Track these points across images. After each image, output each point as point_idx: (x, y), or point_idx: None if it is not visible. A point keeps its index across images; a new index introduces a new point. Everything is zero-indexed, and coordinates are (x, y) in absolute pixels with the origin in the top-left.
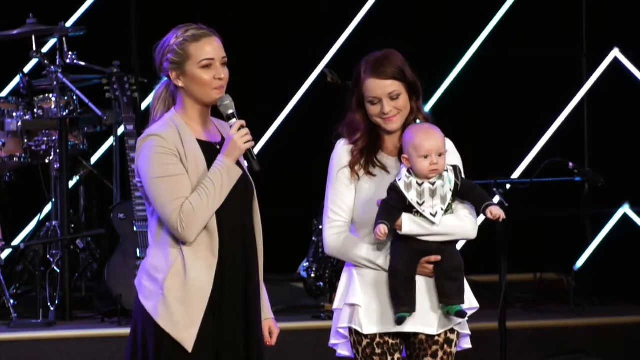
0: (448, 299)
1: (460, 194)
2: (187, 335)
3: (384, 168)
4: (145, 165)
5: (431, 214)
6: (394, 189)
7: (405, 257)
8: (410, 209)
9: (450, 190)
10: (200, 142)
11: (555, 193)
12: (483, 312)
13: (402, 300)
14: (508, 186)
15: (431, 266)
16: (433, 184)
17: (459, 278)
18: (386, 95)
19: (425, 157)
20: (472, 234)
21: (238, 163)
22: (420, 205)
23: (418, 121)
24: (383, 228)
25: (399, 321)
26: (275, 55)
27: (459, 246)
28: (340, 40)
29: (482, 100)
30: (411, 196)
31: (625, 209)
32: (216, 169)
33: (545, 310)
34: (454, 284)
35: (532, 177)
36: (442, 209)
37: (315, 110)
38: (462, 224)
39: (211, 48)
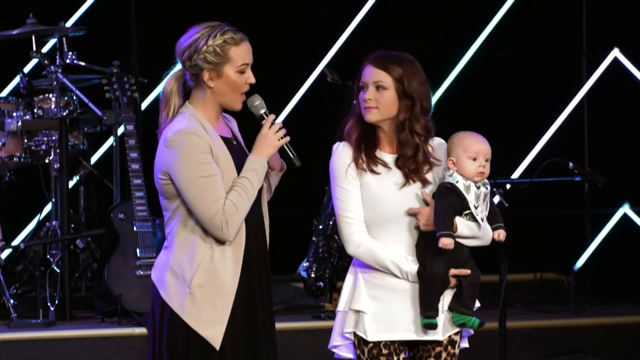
0: (467, 309)
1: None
2: (214, 332)
3: (385, 165)
4: (182, 164)
5: (481, 219)
6: (454, 191)
7: (447, 264)
8: (460, 211)
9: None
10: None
11: (555, 193)
12: (483, 312)
13: (435, 304)
14: (508, 186)
15: (455, 280)
16: (487, 188)
17: (477, 290)
18: (372, 82)
19: (474, 159)
20: (489, 241)
21: None
22: (476, 208)
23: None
24: (450, 241)
25: (430, 327)
26: (275, 55)
27: None
28: (340, 40)
29: (482, 100)
30: (470, 198)
31: (625, 209)
32: (251, 168)
33: (545, 310)
34: (474, 296)
35: (532, 177)
36: (486, 215)
37: (315, 110)
38: (487, 232)
39: (247, 53)
